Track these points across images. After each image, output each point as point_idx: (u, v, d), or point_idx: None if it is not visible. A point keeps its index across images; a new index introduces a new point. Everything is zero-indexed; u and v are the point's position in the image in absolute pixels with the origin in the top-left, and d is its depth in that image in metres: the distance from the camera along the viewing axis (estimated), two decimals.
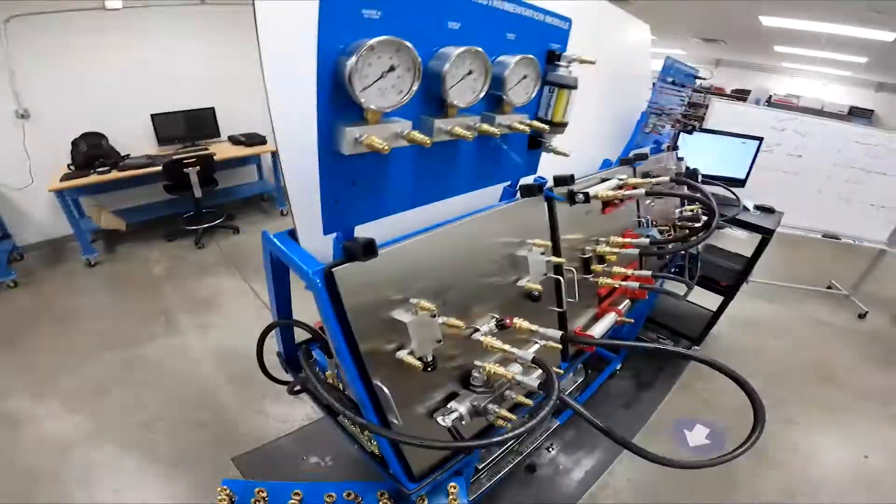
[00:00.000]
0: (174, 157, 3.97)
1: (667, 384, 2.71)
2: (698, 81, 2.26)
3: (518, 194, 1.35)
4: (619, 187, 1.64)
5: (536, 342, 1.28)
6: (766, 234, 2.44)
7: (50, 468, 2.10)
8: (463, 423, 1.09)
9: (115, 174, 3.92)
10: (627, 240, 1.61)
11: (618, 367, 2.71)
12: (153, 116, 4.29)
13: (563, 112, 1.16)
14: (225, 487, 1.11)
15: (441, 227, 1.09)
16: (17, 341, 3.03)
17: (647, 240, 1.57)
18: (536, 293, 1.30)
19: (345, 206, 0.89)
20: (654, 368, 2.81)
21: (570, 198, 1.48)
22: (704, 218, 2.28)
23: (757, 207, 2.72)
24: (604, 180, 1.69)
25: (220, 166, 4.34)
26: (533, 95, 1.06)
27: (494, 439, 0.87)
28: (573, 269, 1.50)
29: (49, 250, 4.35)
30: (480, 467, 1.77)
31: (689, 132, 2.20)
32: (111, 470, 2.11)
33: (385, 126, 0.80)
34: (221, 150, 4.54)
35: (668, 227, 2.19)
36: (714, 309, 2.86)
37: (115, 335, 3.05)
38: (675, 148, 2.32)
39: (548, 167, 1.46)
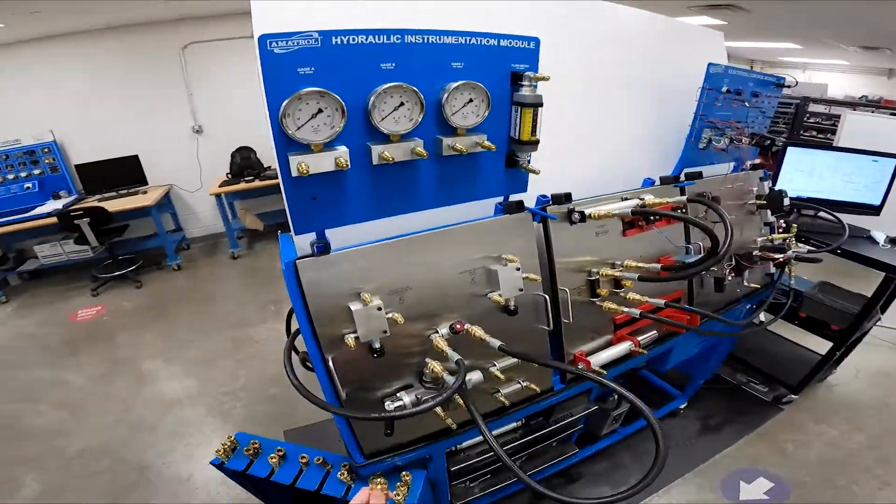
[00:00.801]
0: None
1: (739, 431, 2.33)
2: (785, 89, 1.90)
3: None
4: (642, 206, 1.54)
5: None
6: (892, 274, 1.90)
7: (151, 420, 2.84)
8: (405, 411, 1.22)
9: (257, 183, 5.00)
10: (640, 264, 1.50)
11: (682, 406, 2.41)
12: None
13: (531, 130, 1.20)
14: (232, 437, 1.45)
15: (407, 237, 1.25)
16: (168, 313, 4.15)
17: (659, 266, 1.44)
18: (513, 307, 1.35)
19: (309, 215, 1.12)
20: (729, 412, 2.44)
21: (568, 217, 1.47)
22: (803, 248, 1.93)
23: (892, 240, 2.12)
24: (625, 200, 1.61)
25: None
26: (485, 116, 1.14)
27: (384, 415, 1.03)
28: (566, 290, 1.49)
29: (208, 243, 5.77)
30: (472, 476, 1.81)
31: (768, 148, 1.87)
32: (194, 427, 2.76)
33: (326, 154, 1.01)
34: None
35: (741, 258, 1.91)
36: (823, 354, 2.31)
37: (237, 317, 3.92)
38: (759, 167, 1.99)
39: (570, 185, 1.49)
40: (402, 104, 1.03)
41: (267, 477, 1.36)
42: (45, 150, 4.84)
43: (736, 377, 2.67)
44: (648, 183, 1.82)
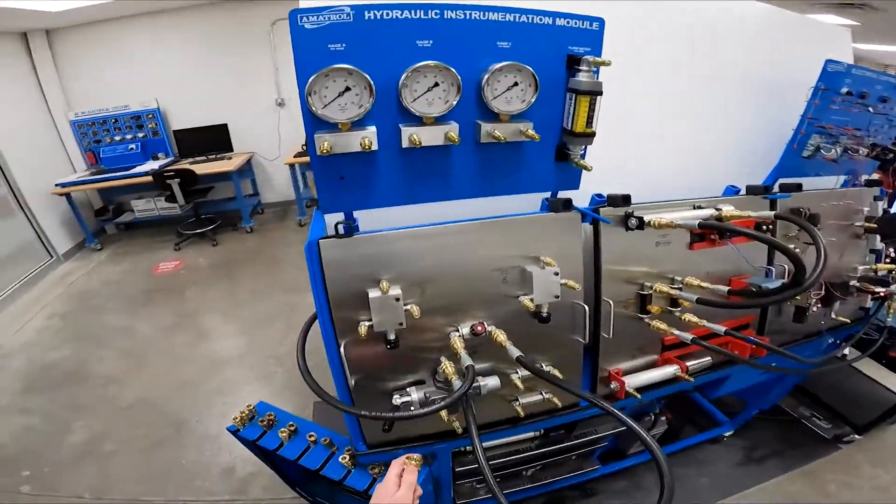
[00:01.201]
0: None
1: (785, 466, 2.10)
2: None
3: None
4: (717, 219, 1.32)
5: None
6: None
7: (198, 378, 3.01)
8: (412, 408, 1.17)
9: None
10: (704, 284, 1.30)
11: (727, 433, 2.19)
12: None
13: (587, 121, 1.06)
14: (252, 405, 1.49)
15: (436, 226, 1.17)
16: (234, 273, 4.45)
17: (726, 288, 1.23)
18: (545, 314, 1.23)
19: (336, 194, 1.08)
20: (779, 445, 2.20)
21: (624, 222, 1.30)
22: None
23: None
24: (698, 209, 1.39)
25: None
26: (531, 102, 1.01)
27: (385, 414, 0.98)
28: (611, 302, 1.33)
29: (280, 209, 6.13)
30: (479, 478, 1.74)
31: (890, 163, 1.51)
32: (235, 387, 2.92)
33: (354, 134, 0.95)
34: None
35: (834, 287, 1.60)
36: None
37: (296, 282, 4.12)
38: (875, 184, 1.63)
39: (637, 186, 1.32)
40: (436, 84, 0.95)
41: (275, 449, 1.40)
42: (150, 115, 5.42)
43: (798, 410, 2.35)
44: (731, 192, 1.56)
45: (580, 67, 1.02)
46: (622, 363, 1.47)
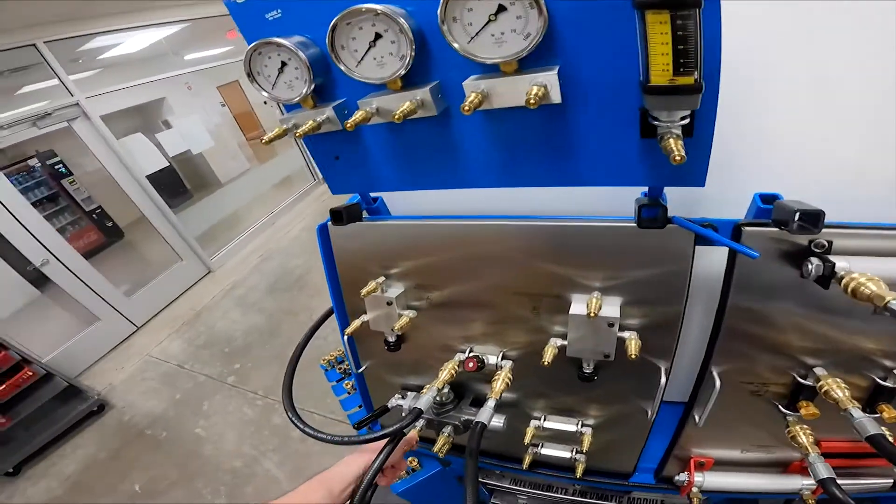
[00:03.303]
0: None
1: None
2: None
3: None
4: None
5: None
6: None
7: None
8: (403, 414, 1.05)
9: None
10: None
11: None
12: None
13: (678, 61, 0.55)
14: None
15: (449, 219, 0.91)
16: None
17: None
18: (587, 372, 0.85)
19: (339, 175, 0.95)
20: None
21: (798, 260, 0.71)
22: None
23: None
24: None
25: None
26: (541, 32, 0.58)
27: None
28: (717, 379, 0.80)
29: None
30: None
31: None
32: None
33: (319, 110, 0.78)
34: None
35: None
36: None
37: None
38: None
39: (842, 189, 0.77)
40: (378, 36, 0.66)
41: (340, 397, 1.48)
42: None
43: None
44: None
45: None
46: (723, 450, 0.91)
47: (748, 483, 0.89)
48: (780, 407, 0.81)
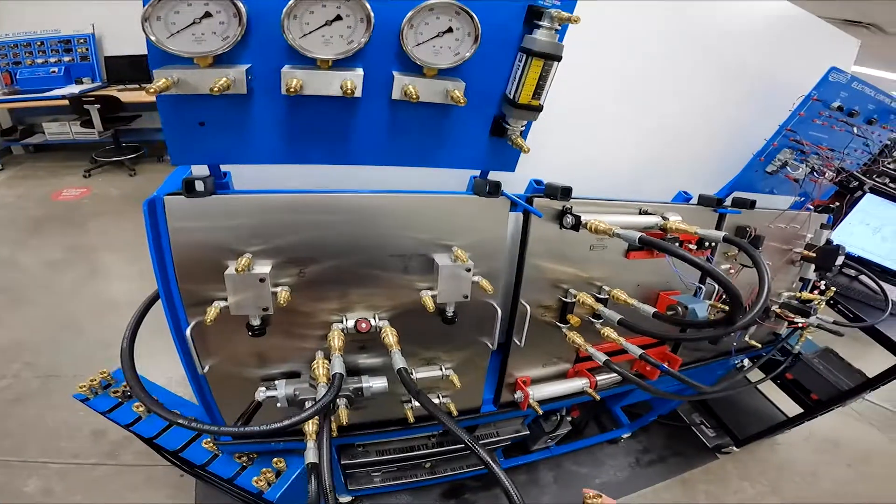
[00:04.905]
0: None
1: (667, 472, 2.16)
2: None
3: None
4: (662, 229, 1.17)
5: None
6: None
7: (84, 323, 2.56)
8: (278, 405, 0.99)
9: None
10: (630, 301, 1.16)
11: (624, 435, 2.21)
12: None
13: (535, 91, 0.85)
14: (107, 371, 1.26)
15: (327, 193, 0.94)
16: None
17: (652, 310, 1.09)
18: (450, 315, 1.05)
19: (194, 143, 0.84)
20: (667, 451, 2.27)
21: (559, 218, 1.12)
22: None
23: None
24: (645, 214, 1.23)
25: None
26: (466, 57, 0.80)
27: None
28: (528, 306, 1.17)
29: None
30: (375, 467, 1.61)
31: (850, 191, 1.42)
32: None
33: (214, 71, 0.72)
34: None
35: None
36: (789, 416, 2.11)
37: None
38: (826, 211, 1.55)
39: (582, 176, 1.14)
40: (338, 18, 0.72)
41: (128, 426, 1.22)
42: (81, 40, 4.80)
43: (691, 416, 2.41)
44: (682, 198, 1.44)
45: (541, 23, 0.79)
46: (532, 370, 1.33)
47: (558, 389, 1.33)
48: (558, 323, 1.25)
